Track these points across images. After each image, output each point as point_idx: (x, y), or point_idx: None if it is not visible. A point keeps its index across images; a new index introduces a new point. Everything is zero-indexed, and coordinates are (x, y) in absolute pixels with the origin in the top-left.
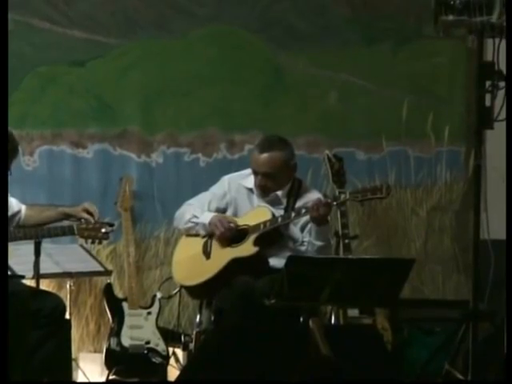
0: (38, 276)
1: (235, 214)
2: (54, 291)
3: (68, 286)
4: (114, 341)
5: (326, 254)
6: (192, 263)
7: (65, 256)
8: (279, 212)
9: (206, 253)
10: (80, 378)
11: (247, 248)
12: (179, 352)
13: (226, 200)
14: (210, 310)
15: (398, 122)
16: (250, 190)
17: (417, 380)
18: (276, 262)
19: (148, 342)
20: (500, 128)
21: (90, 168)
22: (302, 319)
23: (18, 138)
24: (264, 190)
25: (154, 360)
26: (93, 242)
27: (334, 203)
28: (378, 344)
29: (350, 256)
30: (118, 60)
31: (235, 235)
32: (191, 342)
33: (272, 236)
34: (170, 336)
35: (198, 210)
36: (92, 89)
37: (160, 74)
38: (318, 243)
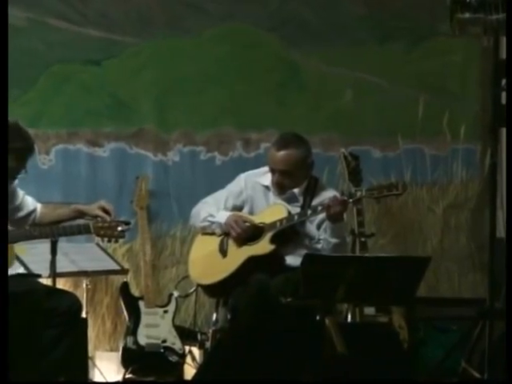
0: (54, 275)
1: (251, 212)
2: (70, 290)
3: (84, 285)
4: (130, 339)
5: (342, 252)
6: (208, 261)
7: (81, 255)
8: (295, 210)
9: (223, 251)
10: (96, 376)
11: (263, 246)
12: (195, 350)
13: (242, 198)
14: (226, 308)
15: (414, 120)
16: (267, 187)
17: (432, 379)
18: (292, 260)
19: (164, 341)
20: None
21: (106, 167)
22: (317, 317)
23: (33, 137)
24: (281, 187)
25: (170, 358)
26: (109, 241)
27: (350, 201)
28: (394, 342)
29: (366, 254)
30: (133, 59)
31: (252, 233)
32: (207, 340)
33: (288, 234)
34: (187, 334)
35: (213, 208)
36: (107, 87)
37: (175, 73)
38: (334, 241)
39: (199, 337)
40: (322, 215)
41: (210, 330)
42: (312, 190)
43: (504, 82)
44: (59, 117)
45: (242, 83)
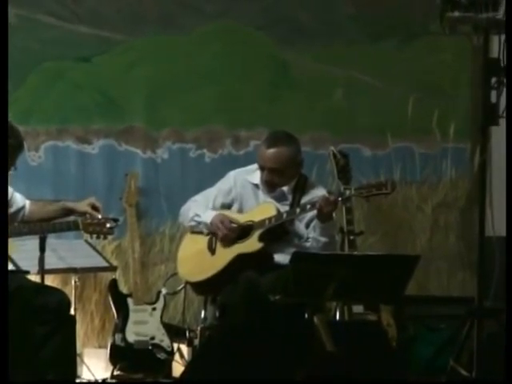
0: (42, 271)
1: (240, 210)
2: (58, 287)
3: (73, 282)
4: (118, 336)
5: (331, 251)
6: (197, 259)
7: (70, 251)
8: (285, 208)
9: (211, 249)
10: (85, 373)
11: (252, 244)
12: (184, 348)
13: (231, 196)
14: (214, 305)
15: (404, 118)
16: (256, 185)
17: (421, 377)
18: (281, 258)
19: (153, 338)
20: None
21: (96, 164)
22: (306, 315)
23: (23, 134)
24: (270, 185)
25: (158, 356)
26: (98, 238)
27: (340, 199)
28: (382, 340)
29: (355, 252)
30: (124, 56)
31: (240, 231)
32: (196, 337)
33: (277, 232)
34: (175, 332)
35: (201, 207)
36: (98, 84)
37: (165, 70)
38: (323, 239)
39: (188, 334)
40: (311, 214)
41: (199, 328)
42: (301, 188)
43: (494, 80)
44: (49, 114)
45: (232, 81)
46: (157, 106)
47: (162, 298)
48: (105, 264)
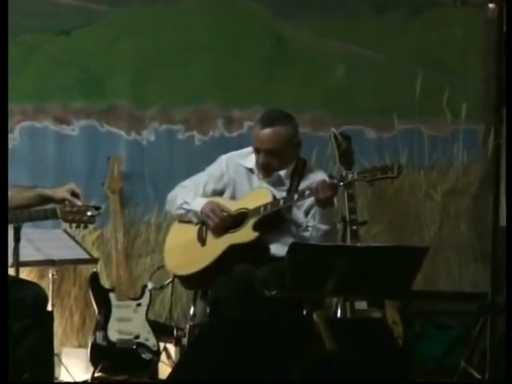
0: (17, 264)
1: (233, 196)
2: (35, 280)
3: (50, 275)
4: (100, 335)
5: (332, 239)
6: (186, 250)
7: (47, 242)
8: (281, 194)
9: (202, 239)
10: (63, 375)
11: (246, 233)
12: (171, 347)
13: (223, 181)
14: (205, 301)
15: (411, 97)
16: (250, 170)
17: (429, 379)
18: (277, 249)
19: (137, 337)
20: None
21: (76, 146)
22: (305, 312)
23: None
24: (267, 168)
25: (143, 356)
26: (78, 227)
27: (341, 184)
28: (387, 339)
29: (357, 244)
30: (107, 29)
31: (233, 220)
32: (184, 336)
33: (273, 220)
34: (162, 330)
35: (190, 193)
36: (78, 60)
37: (152, 45)
38: (323, 227)
39: (175, 332)
40: (311, 200)
41: (188, 325)
42: (299, 172)
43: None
44: (25, 91)
45: (225, 57)
46: (142, 83)
47: (147, 293)
48: (85, 256)
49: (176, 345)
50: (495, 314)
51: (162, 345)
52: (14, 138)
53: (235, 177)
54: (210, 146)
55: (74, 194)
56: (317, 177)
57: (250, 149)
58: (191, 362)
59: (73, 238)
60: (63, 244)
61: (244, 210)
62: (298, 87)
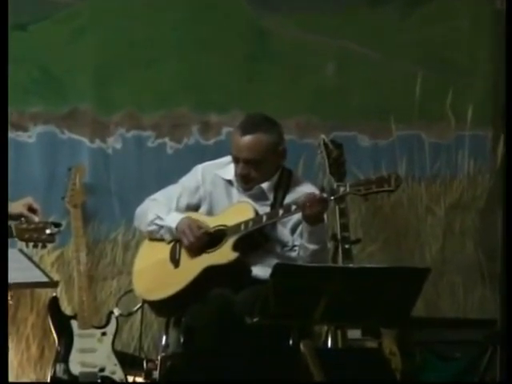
0: None
1: (210, 212)
2: None
3: None
4: (60, 367)
5: (322, 260)
6: (157, 273)
7: None
8: (264, 209)
9: (175, 260)
10: None
11: (225, 254)
12: (140, 381)
13: (198, 194)
14: (178, 329)
15: (410, 99)
16: (229, 181)
17: None
18: (260, 271)
19: (102, 370)
20: None
21: (33, 155)
22: (291, 341)
23: None
24: (246, 180)
25: None
26: (35, 246)
27: (332, 198)
28: (384, 372)
29: (350, 264)
30: (68, 23)
31: (210, 239)
32: (155, 369)
33: (255, 239)
34: (130, 362)
35: (163, 208)
36: (35, 58)
37: (118, 41)
38: (312, 246)
39: (145, 365)
40: (298, 216)
41: (159, 357)
42: (285, 184)
43: None
44: None
45: (200, 53)
46: (107, 84)
47: (113, 321)
48: (44, 278)
49: (146, 378)
50: (505, 344)
51: (130, 378)
52: None
53: (212, 189)
54: (184, 155)
55: (31, 209)
56: (304, 189)
57: (228, 158)
58: None
59: (30, 258)
60: (19, 265)
61: (222, 228)
62: (283, 88)
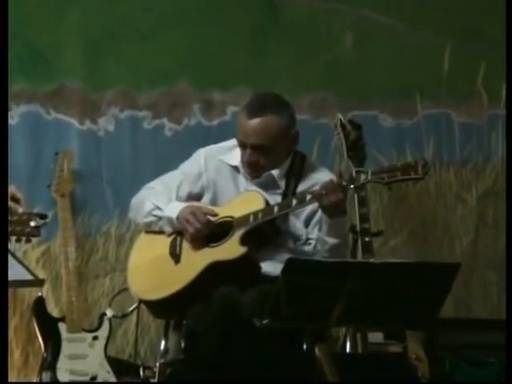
0: None
1: (214, 201)
2: None
3: None
4: (47, 376)
5: (342, 256)
6: (155, 270)
7: None
8: (275, 199)
9: (175, 255)
10: None
11: (231, 248)
12: None
13: (201, 182)
14: (179, 333)
15: (438, 75)
16: (235, 168)
17: None
18: (270, 267)
19: (94, 378)
20: None
21: (15, 138)
22: (305, 346)
23: None
24: (254, 168)
25: None
26: (18, 241)
27: (351, 186)
28: (409, 379)
29: (371, 259)
30: None
31: (214, 231)
32: (153, 377)
33: (265, 232)
34: (125, 369)
35: (162, 197)
36: (19, 31)
37: (111, 11)
38: (332, 240)
39: (142, 372)
40: (312, 206)
41: (157, 363)
42: (297, 171)
43: None
44: None
45: (203, 25)
46: (98, 58)
47: (106, 323)
48: (28, 276)
49: None
50: None
51: None
52: None
53: (216, 177)
54: (185, 138)
55: (14, 199)
56: (320, 176)
57: (234, 141)
58: None
59: (12, 254)
60: None
61: (229, 219)
62: (295, 63)
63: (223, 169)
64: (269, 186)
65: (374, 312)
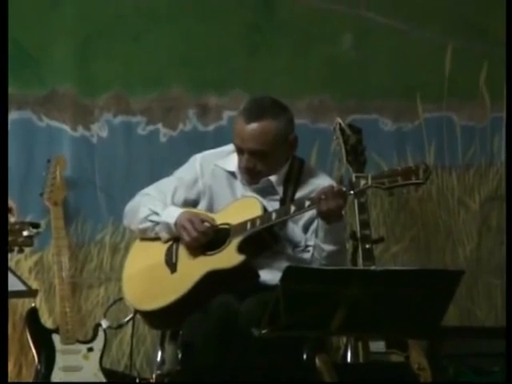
0: None
1: (211, 208)
2: None
3: None
4: None
5: (340, 263)
6: (151, 279)
7: None
8: (273, 205)
9: (171, 264)
10: None
11: (229, 257)
12: None
13: (197, 188)
14: (175, 344)
15: (439, 76)
16: (232, 173)
17: None
18: (269, 275)
19: None
20: None
21: None
22: (305, 356)
23: None
24: (252, 174)
25: None
26: (11, 250)
27: (351, 192)
28: None
29: (372, 267)
30: None
31: (212, 239)
32: None
33: (263, 239)
34: (120, 381)
35: (158, 203)
36: (8, 32)
37: (104, 11)
38: (329, 247)
39: None
40: (311, 213)
41: (154, 375)
42: (296, 176)
43: None
44: None
45: (196, 25)
46: (90, 62)
47: (101, 334)
48: (20, 287)
49: None
50: None
51: None
52: None
53: (212, 183)
54: (180, 144)
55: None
56: (318, 181)
57: (231, 146)
58: None
59: None
60: None
61: (226, 227)
62: (292, 64)
63: (219, 174)
64: (266, 192)
65: (376, 320)
